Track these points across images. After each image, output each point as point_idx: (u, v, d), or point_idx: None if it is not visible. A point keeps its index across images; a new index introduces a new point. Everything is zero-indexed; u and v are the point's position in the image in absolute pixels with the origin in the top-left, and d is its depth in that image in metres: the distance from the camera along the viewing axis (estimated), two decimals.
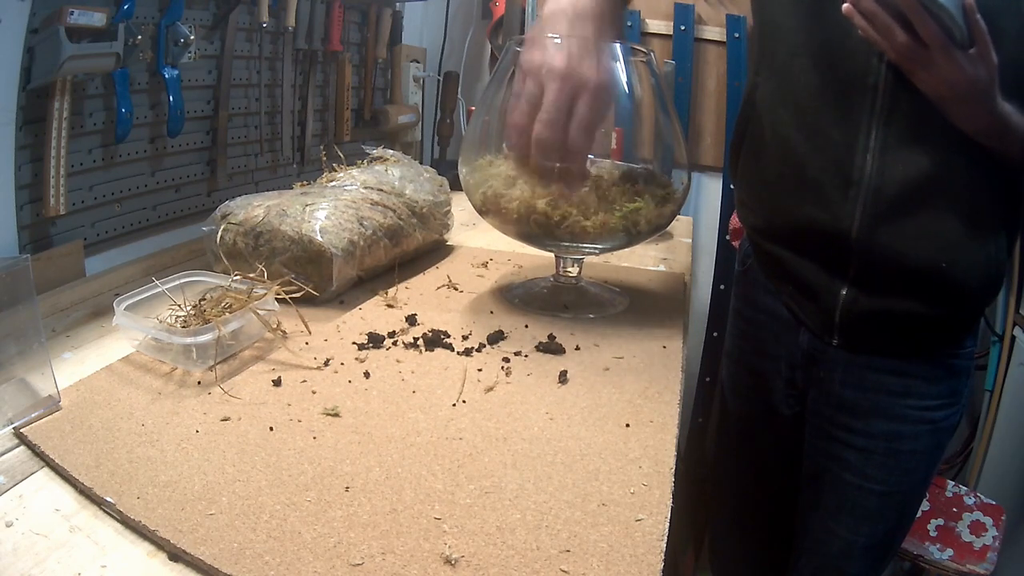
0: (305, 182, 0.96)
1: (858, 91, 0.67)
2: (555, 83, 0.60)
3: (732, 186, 1.67)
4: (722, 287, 1.72)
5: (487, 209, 0.78)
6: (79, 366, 0.62)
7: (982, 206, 0.67)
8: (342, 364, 0.64)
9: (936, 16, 0.57)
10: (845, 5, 0.61)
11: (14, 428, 0.51)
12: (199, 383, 0.59)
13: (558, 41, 0.65)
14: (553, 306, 0.80)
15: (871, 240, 0.70)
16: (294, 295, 0.69)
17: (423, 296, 0.83)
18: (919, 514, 1.24)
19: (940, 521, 1.26)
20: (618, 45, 0.72)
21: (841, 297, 0.74)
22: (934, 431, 0.77)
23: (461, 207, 0.98)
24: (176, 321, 0.65)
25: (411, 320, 0.74)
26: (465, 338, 0.71)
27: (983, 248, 0.69)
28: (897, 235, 0.68)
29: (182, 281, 0.70)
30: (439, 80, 1.62)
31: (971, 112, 0.62)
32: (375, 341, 0.68)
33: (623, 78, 0.73)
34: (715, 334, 1.75)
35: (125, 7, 0.81)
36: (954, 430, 0.80)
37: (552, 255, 0.84)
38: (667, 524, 0.44)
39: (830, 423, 0.80)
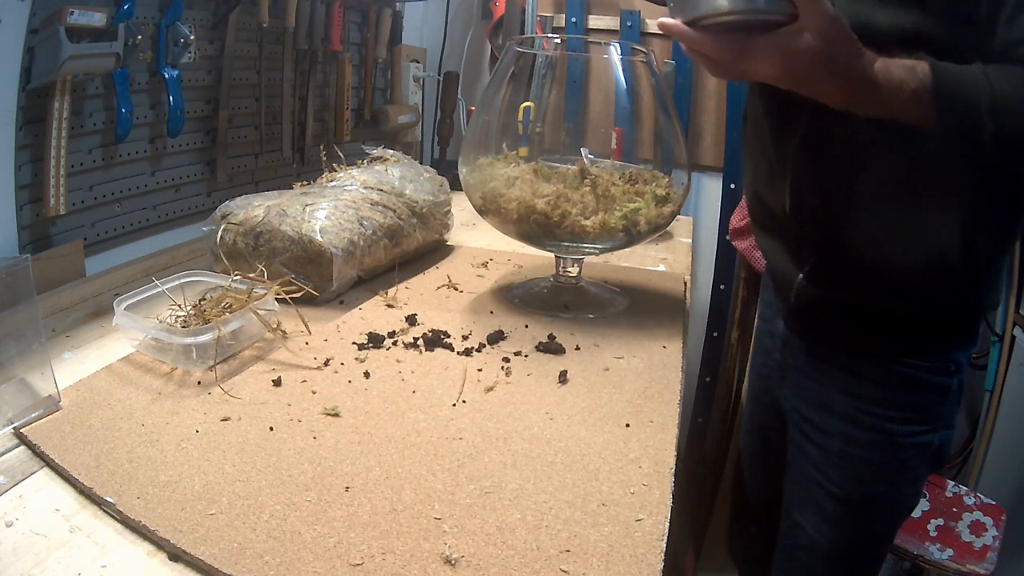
0: (305, 182, 0.96)
1: None
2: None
3: (732, 185, 1.67)
4: (722, 287, 1.71)
5: (487, 209, 0.78)
6: (79, 366, 0.62)
7: (915, 199, 0.62)
8: (342, 364, 0.64)
9: (728, 24, 0.53)
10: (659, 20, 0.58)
11: (14, 428, 0.51)
12: (199, 383, 0.59)
13: None
14: (553, 306, 0.80)
15: (802, 223, 0.69)
16: (294, 295, 0.69)
17: (423, 296, 0.83)
18: (920, 515, 1.24)
19: (940, 521, 1.25)
20: (618, 45, 0.72)
21: (796, 283, 0.74)
22: (891, 445, 0.72)
23: (461, 207, 0.98)
24: (176, 321, 0.65)
25: (411, 320, 0.74)
26: (465, 338, 0.71)
27: (923, 244, 0.64)
28: (822, 218, 0.67)
29: (182, 281, 0.70)
30: (439, 80, 1.62)
31: (817, 90, 0.56)
32: (375, 341, 0.68)
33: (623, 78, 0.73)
34: (715, 334, 1.75)
35: (125, 7, 0.81)
36: (925, 452, 0.73)
37: (552, 255, 0.84)
38: (667, 524, 0.44)
39: (798, 414, 0.80)
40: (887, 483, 0.75)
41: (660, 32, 1.71)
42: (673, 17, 0.56)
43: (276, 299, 0.68)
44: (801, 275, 0.73)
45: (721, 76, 0.58)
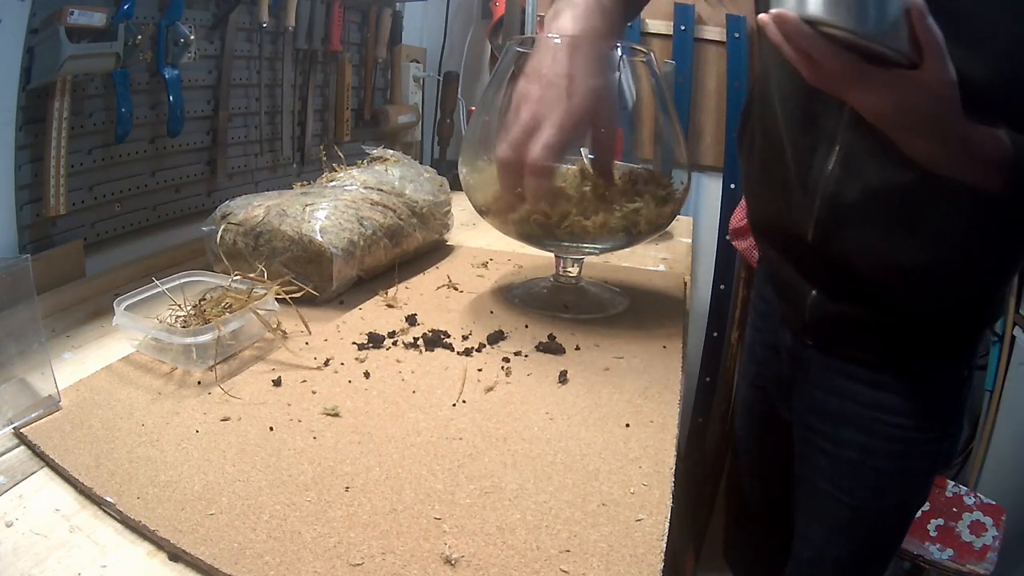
0: (305, 182, 0.96)
1: (826, 95, 0.63)
2: (527, 106, 0.63)
3: (732, 185, 1.67)
4: (722, 287, 1.72)
5: (487, 209, 0.78)
6: (79, 366, 0.62)
7: (953, 233, 0.62)
8: (342, 364, 0.64)
9: (849, 41, 0.49)
10: (760, 15, 0.54)
11: (14, 428, 0.51)
12: (199, 383, 0.59)
13: (557, 41, 0.65)
14: (553, 306, 0.80)
15: (826, 247, 0.68)
16: (294, 295, 0.69)
17: (423, 296, 0.83)
18: (920, 515, 1.24)
19: (940, 521, 1.26)
20: (618, 45, 0.72)
21: (810, 298, 0.73)
22: (908, 453, 0.73)
23: (461, 207, 0.98)
24: (176, 321, 0.65)
25: (411, 320, 0.74)
26: (465, 338, 0.71)
27: (951, 276, 0.64)
28: (851, 246, 0.66)
29: (182, 281, 0.70)
30: (439, 80, 1.62)
31: (910, 140, 0.55)
32: (375, 341, 0.68)
33: (624, 80, 0.73)
34: (715, 334, 1.75)
35: (125, 7, 0.81)
36: (941, 459, 0.74)
37: (552, 255, 0.84)
38: (667, 524, 0.44)
39: (805, 425, 0.80)
40: (901, 490, 0.75)
41: (663, 32, 1.71)
42: (788, 9, 0.51)
43: (276, 299, 0.68)
44: (815, 291, 0.72)
45: (814, 82, 0.55)
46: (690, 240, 1.26)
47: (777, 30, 0.52)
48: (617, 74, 0.71)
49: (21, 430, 0.50)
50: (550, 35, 0.66)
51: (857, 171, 0.64)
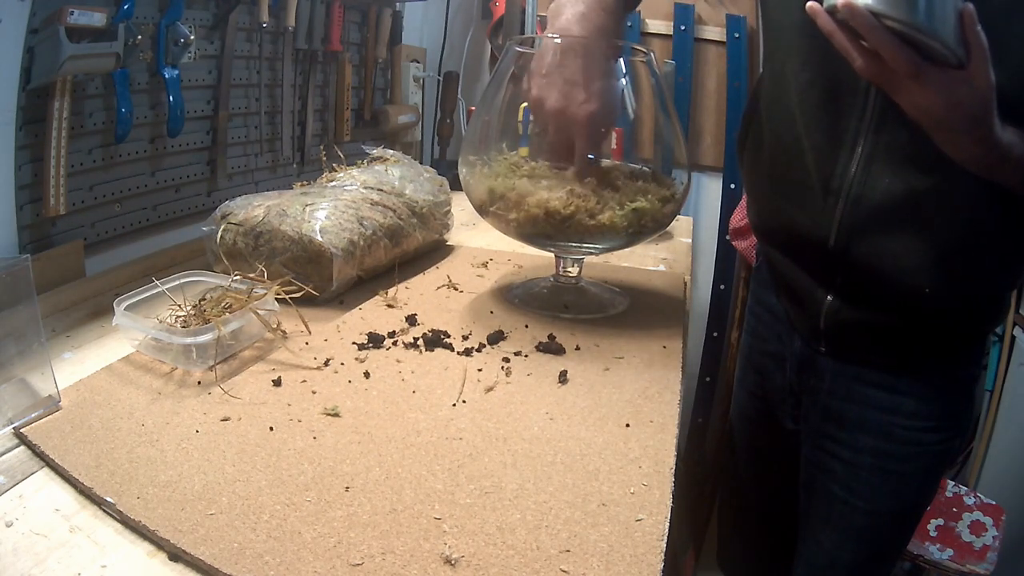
0: (305, 182, 0.96)
1: (848, 96, 0.64)
2: (551, 124, 0.68)
3: (732, 185, 1.68)
4: (722, 287, 1.72)
5: (487, 210, 0.78)
6: (79, 366, 0.62)
7: (977, 232, 0.62)
8: (342, 364, 0.64)
9: (908, 36, 0.50)
10: (809, 4, 0.53)
11: (14, 428, 0.51)
12: (199, 383, 0.59)
13: (558, 41, 0.65)
14: (553, 306, 0.80)
15: (848, 252, 0.68)
16: (294, 295, 0.69)
17: (423, 296, 0.83)
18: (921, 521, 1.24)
19: (940, 521, 1.26)
20: (618, 46, 0.72)
21: (825, 304, 0.72)
22: (925, 454, 0.73)
23: (461, 207, 0.98)
24: (176, 321, 0.65)
25: (411, 320, 0.74)
26: (465, 338, 0.71)
27: (974, 277, 0.64)
28: (875, 250, 0.66)
29: (182, 281, 0.70)
30: (439, 80, 1.62)
31: (954, 140, 0.55)
32: (375, 341, 0.68)
33: (622, 86, 0.73)
34: (715, 334, 1.75)
35: (125, 7, 0.81)
36: (951, 457, 0.75)
37: (552, 255, 0.84)
38: (667, 524, 0.44)
39: (818, 432, 0.79)
40: (914, 491, 0.76)
41: (663, 32, 1.71)
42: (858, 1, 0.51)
43: (276, 299, 0.68)
44: (830, 296, 0.72)
45: (867, 75, 0.54)
46: (690, 240, 1.26)
47: (830, 20, 0.52)
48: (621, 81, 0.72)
49: (21, 430, 0.50)
50: (552, 36, 0.67)
51: (881, 172, 0.64)
